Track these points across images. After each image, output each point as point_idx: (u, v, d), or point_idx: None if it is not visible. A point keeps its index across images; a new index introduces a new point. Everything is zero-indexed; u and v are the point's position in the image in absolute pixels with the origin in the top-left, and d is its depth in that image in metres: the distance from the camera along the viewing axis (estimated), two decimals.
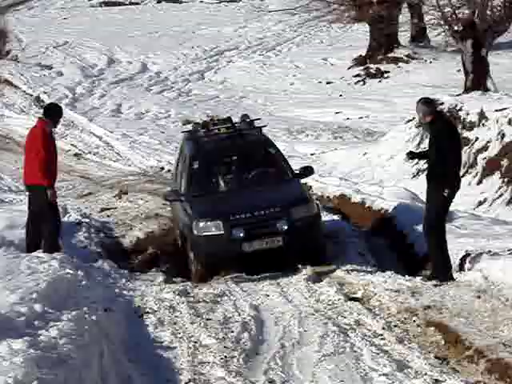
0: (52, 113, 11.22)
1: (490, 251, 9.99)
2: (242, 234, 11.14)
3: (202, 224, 11.25)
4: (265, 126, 13.50)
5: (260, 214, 11.32)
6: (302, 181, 12.89)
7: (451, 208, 10.35)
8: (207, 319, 8.30)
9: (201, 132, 13.07)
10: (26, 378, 5.19)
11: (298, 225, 11.25)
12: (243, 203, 11.63)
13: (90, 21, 41.38)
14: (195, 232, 11.32)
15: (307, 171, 12.56)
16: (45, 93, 30.16)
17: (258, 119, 13.60)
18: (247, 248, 11.13)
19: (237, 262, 11.22)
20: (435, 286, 9.40)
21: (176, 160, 13.45)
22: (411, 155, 10.87)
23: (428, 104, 10.16)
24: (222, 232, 11.18)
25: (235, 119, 13.32)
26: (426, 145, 18.52)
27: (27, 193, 11.53)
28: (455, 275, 9.79)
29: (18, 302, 7.15)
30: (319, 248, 11.51)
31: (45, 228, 10.87)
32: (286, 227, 11.16)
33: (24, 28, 39.09)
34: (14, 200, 16.05)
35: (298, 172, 12.42)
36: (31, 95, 30.34)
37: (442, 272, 9.78)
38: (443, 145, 9.85)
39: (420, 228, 10.34)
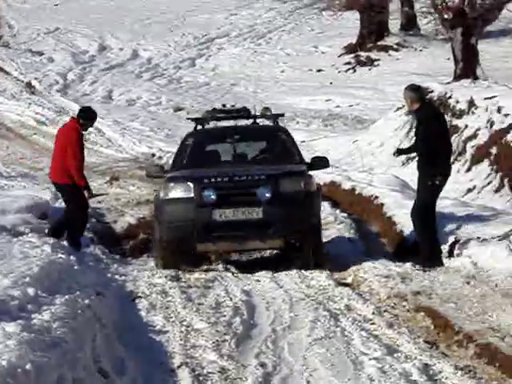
0: (86, 116, 11.28)
1: (478, 238, 10.08)
2: (213, 197, 9.64)
3: (170, 185, 9.92)
4: (282, 115, 12.31)
5: (240, 179, 9.83)
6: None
7: (440, 195, 10.44)
8: (199, 304, 8.36)
9: (208, 117, 11.84)
10: (19, 361, 5.22)
11: (285, 196, 9.65)
12: (225, 171, 10.13)
13: (82, 7, 41.27)
14: (161, 195, 9.98)
15: (322, 162, 10.91)
16: (36, 79, 30.12)
17: (282, 115, 12.24)
18: (218, 216, 9.64)
19: (205, 236, 9.71)
20: (424, 271, 9.49)
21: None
22: (399, 152, 10.78)
23: (415, 90, 10.24)
24: (192, 195, 9.72)
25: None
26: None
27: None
28: (444, 261, 9.88)
29: (11, 286, 7.19)
30: (310, 229, 9.78)
31: (67, 221, 11.08)
32: (268, 196, 9.64)
33: (15, 14, 38.95)
34: (6, 186, 16.05)
35: (310, 162, 10.83)
36: (22, 81, 30.30)
37: (430, 258, 9.86)
38: (431, 131, 9.91)
39: (409, 214, 10.42)
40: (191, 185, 9.79)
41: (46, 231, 11.07)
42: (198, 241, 9.84)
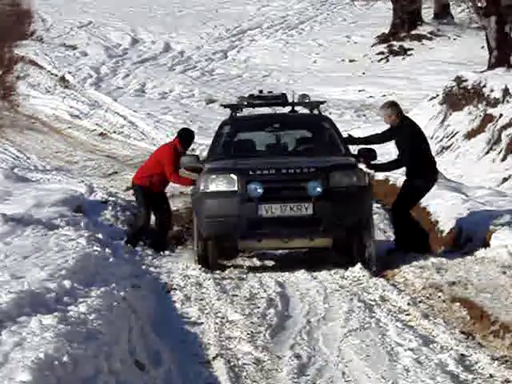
0: (183, 137, 11.47)
1: None
2: (259, 190, 8.96)
3: (211, 177, 9.25)
4: (324, 103, 11.78)
5: (288, 172, 9.14)
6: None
7: (472, 184, 10.51)
8: (233, 295, 8.37)
9: (244, 104, 11.15)
10: (56, 353, 5.26)
11: (336, 191, 9.05)
12: (271, 163, 9.43)
13: (114, 0, 41.43)
14: (201, 188, 9.29)
15: (369, 154, 10.10)
16: (69, 73, 30.31)
17: (323, 102, 11.69)
18: (265, 212, 9.02)
19: (249, 233, 9.14)
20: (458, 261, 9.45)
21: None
22: (349, 139, 10.71)
23: (395, 106, 10.58)
24: (236, 188, 9.07)
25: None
26: (449, 122, 18.52)
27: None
28: (480, 251, 9.82)
29: (48, 279, 7.24)
30: (362, 227, 9.22)
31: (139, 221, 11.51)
32: (319, 190, 8.99)
33: (48, 8, 39.20)
34: (42, 179, 16.19)
35: (356, 154, 10.18)
36: (56, 75, 30.51)
37: (422, 244, 10.25)
38: (417, 144, 10.28)
39: (445, 204, 10.39)
40: (235, 177, 9.14)
41: (124, 241, 11.33)
42: (240, 238, 9.31)
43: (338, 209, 9.06)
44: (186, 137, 11.51)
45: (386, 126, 10.77)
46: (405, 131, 10.39)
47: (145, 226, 11.41)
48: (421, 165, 10.29)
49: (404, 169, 10.64)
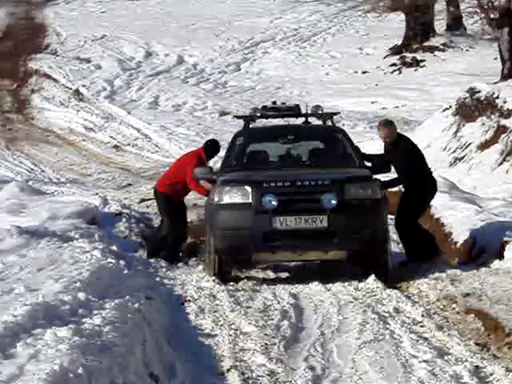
0: (209, 147, 11.56)
1: None
2: (274, 203, 8.91)
3: (225, 189, 9.19)
4: (337, 114, 11.79)
5: (303, 184, 9.09)
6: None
7: (486, 195, 10.49)
8: (247, 307, 8.37)
9: (257, 115, 11.07)
10: (71, 365, 5.27)
11: (351, 204, 8.99)
12: (285, 175, 9.39)
13: (128, 14, 41.59)
14: (215, 200, 9.23)
15: (383, 166, 10.14)
16: (83, 86, 30.43)
17: (337, 113, 11.69)
18: (279, 225, 8.93)
19: (264, 246, 9.06)
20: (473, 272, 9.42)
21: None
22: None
23: (392, 124, 10.68)
24: (250, 201, 9.01)
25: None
26: (462, 133, 18.49)
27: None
28: (494, 262, 9.79)
29: (62, 291, 7.27)
30: (378, 242, 9.12)
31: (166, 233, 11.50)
32: (334, 203, 8.94)
33: (62, 22, 39.39)
34: (56, 192, 16.26)
35: (370, 166, 10.15)
36: (70, 88, 30.64)
37: (431, 249, 10.27)
38: (416, 160, 10.37)
39: (459, 216, 10.38)
40: (249, 189, 9.09)
41: (146, 255, 11.42)
42: (255, 250, 9.19)
43: (352, 222, 8.99)
44: (212, 147, 11.57)
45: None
46: (403, 148, 10.42)
47: (167, 236, 11.44)
48: (420, 179, 10.34)
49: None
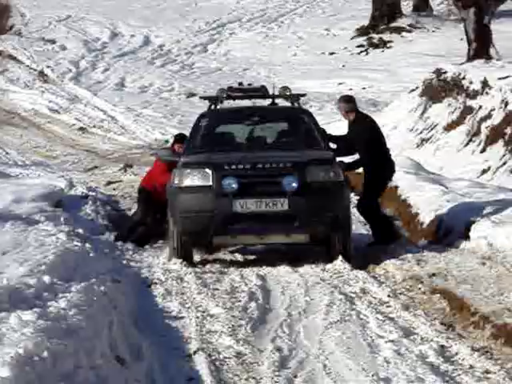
0: (179, 140, 11.52)
1: (494, 218, 10.04)
2: (234, 186, 8.86)
3: (185, 171, 9.12)
4: (304, 95, 11.53)
5: (264, 167, 9.05)
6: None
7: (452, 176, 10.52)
8: (214, 289, 8.36)
9: (223, 96, 10.83)
10: (36, 349, 5.24)
11: (313, 187, 8.93)
12: (246, 157, 9.33)
13: None
14: (176, 182, 9.16)
15: (350, 149, 10.09)
16: (48, 67, 30.16)
17: (304, 95, 11.49)
18: (240, 208, 8.89)
19: (224, 229, 9.03)
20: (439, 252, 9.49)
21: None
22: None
23: (350, 101, 10.58)
24: (210, 183, 8.97)
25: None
26: (429, 114, 18.56)
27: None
28: (460, 242, 9.86)
29: (27, 274, 7.21)
30: (339, 224, 9.10)
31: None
32: (295, 186, 8.90)
33: (26, 2, 38.97)
34: (21, 174, 16.10)
35: (333, 148, 10.08)
36: (35, 70, 30.36)
37: (386, 237, 10.27)
38: (373, 139, 10.30)
39: (425, 196, 10.43)
40: (209, 172, 9.03)
41: (112, 237, 11.38)
42: (215, 234, 9.16)
43: (313, 204, 8.93)
44: (181, 139, 11.55)
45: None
46: (361, 126, 10.38)
47: (139, 222, 11.39)
48: (378, 160, 10.30)
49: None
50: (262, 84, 11.77)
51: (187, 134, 11.09)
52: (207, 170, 9.08)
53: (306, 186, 8.93)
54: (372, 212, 10.47)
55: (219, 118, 10.96)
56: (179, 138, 11.56)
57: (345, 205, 9.32)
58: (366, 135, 10.34)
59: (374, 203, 10.51)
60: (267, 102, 11.41)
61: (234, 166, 9.06)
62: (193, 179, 9.12)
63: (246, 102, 12.11)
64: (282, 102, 11.49)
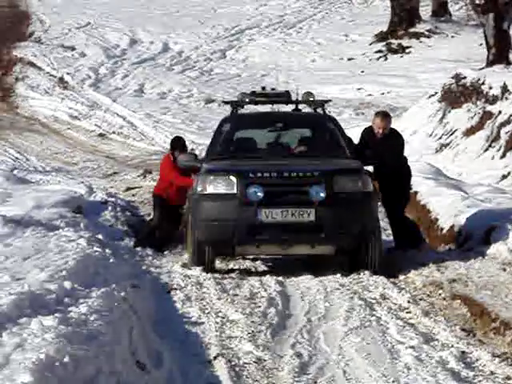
0: (175, 142, 11.88)
1: None
2: (259, 194, 8.60)
3: (209, 178, 8.87)
4: (329, 101, 11.27)
5: (290, 175, 8.78)
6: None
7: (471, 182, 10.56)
8: (234, 295, 8.36)
9: (245, 100, 10.53)
10: (57, 354, 5.26)
11: (341, 197, 8.68)
12: (272, 164, 9.06)
13: (112, 1, 41.40)
14: (198, 189, 8.91)
15: (375, 159, 9.67)
16: (68, 74, 30.30)
17: (328, 101, 11.18)
18: (265, 217, 8.63)
19: (248, 239, 8.81)
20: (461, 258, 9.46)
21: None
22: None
23: (388, 115, 10.63)
24: (235, 191, 8.72)
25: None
26: (448, 119, 18.51)
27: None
28: (480, 248, 9.82)
29: (48, 280, 7.25)
30: (367, 237, 8.82)
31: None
32: (322, 196, 8.64)
33: (47, 9, 39.18)
34: (41, 180, 16.18)
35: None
36: (55, 76, 30.51)
37: (416, 239, 10.41)
38: (402, 149, 10.47)
39: (445, 202, 10.41)
40: (234, 179, 8.77)
41: (132, 243, 11.43)
42: (238, 243, 8.92)
43: (341, 216, 8.71)
44: (177, 142, 11.82)
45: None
46: (396, 143, 10.45)
47: (156, 227, 11.54)
48: (405, 168, 10.50)
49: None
50: (286, 89, 11.56)
51: (208, 140, 11.13)
52: (232, 177, 8.87)
53: (334, 196, 8.69)
54: (400, 219, 10.45)
55: (242, 123, 10.67)
56: (176, 142, 11.76)
57: (373, 216, 9.04)
58: (401, 148, 10.47)
59: (402, 207, 10.54)
60: (290, 107, 11.11)
61: (259, 174, 8.83)
62: (216, 187, 8.92)
63: (266, 108, 11.99)
64: (305, 108, 11.31)
